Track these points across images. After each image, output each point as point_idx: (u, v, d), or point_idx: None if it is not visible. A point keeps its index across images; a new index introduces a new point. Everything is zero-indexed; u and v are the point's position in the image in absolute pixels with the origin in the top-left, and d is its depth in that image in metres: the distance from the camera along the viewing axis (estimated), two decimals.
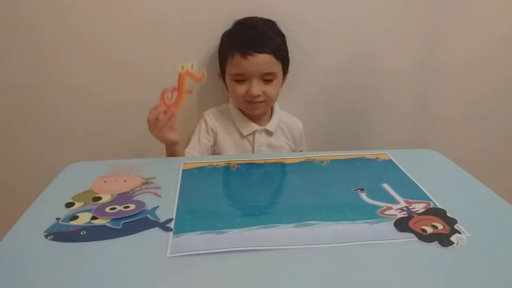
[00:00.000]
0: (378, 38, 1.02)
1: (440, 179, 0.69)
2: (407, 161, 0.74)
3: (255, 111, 0.93)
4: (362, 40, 1.02)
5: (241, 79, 0.89)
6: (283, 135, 1.00)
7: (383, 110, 1.11)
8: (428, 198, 0.62)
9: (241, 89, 0.89)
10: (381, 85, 1.07)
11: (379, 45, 1.03)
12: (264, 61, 0.87)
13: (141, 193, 0.63)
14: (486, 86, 1.11)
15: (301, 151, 1.03)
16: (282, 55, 0.91)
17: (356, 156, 0.77)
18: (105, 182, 0.67)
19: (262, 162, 0.75)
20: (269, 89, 0.90)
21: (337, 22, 0.99)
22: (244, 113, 0.96)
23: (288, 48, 0.94)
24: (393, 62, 1.05)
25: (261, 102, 0.91)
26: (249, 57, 0.86)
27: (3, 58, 0.94)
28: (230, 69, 0.89)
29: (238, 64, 0.87)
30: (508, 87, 1.12)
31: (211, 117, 0.96)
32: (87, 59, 0.95)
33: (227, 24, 0.93)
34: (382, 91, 1.08)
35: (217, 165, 0.73)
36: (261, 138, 0.96)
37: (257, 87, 0.88)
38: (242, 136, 0.95)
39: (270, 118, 0.98)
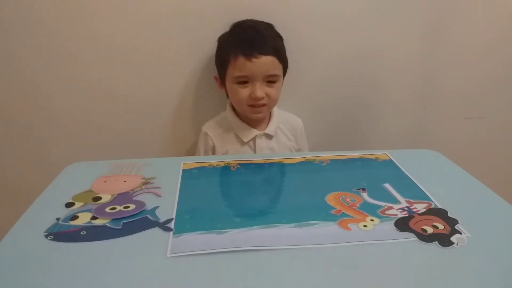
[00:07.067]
0: (377, 37, 1.02)
1: (440, 179, 0.69)
2: (407, 161, 0.74)
3: (257, 115, 0.92)
4: (361, 40, 1.02)
5: (244, 81, 0.88)
6: (284, 135, 0.99)
7: (382, 110, 1.11)
8: (428, 198, 0.62)
9: (244, 92, 0.89)
10: (380, 85, 1.07)
11: (378, 45, 1.03)
12: (268, 63, 0.86)
13: (141, 193, 0.63)
14: (486, 86, 1.11)
15: (299, 149, 1.03)
16: (283, 57, 0.91)
17: (356, 156, 0.77)
18: (105, 182, 0.67)
19: (262, 162, 0.75)
20: (272, 91, 0.90)
21: (336, 21, 0.99)
22: (243, 120, 0.96)
23: (287, 48, 0.94)
24: (392, 62, 1.05)
25: (264, 105, 0.90)
26: (254, 59, 0.85)
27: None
28: (233, 72, 0.88)
29: (242, 66, 0.86)
30: (508, 87, 1.12)
31: (209, 133, 0.96)
32: (89, 60, 0.95)
33: (224, 27, 0.93)
34: (381, 91, 1.08)
35: (217, 165, 0.73)
36: (261, 142, 0.96)
37: (260, 90, 0.88)
38: (243, 143, 0.95)
39: (269, 122, 0.98)
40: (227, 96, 0.95)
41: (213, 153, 0.97)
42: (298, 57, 0.98)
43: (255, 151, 0.95)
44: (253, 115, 0.92)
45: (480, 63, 1.08)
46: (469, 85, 1.10)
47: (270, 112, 0.99)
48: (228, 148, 0.95)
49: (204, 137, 0.97)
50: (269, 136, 0.96)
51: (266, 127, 0.97)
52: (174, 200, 0.61)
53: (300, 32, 0.97)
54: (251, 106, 0.90)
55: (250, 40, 0.87)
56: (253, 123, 0.96)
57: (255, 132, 0.95)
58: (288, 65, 0.95)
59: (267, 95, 0.89)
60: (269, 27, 0.92)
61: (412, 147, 1.05)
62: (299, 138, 1.02)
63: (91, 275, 0.45)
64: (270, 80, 0.89)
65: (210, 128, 0.97)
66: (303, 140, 1.04)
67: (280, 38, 0.93)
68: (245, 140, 0.95)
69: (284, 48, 0.93)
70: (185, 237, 0.52)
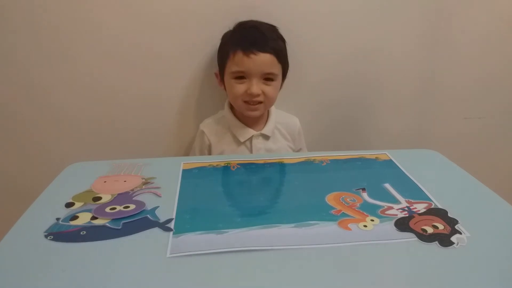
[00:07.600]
0: (377, 37, 1.02)
1: (440, 179, 0.69)
2: (407, 161, 0.74)
3: (252, 112, 0.92)
4: (361, 39, 1.02)
5: (241, 76, 0.88)
6: (281, 136, 0.99)
7: (382, 110, 1.11)
8: (428, 198, 0.62)
9: (240, 88, 0.89)
10: (380, 85, 1.07)
11: (378, 45, 1.03)
12: (266, 60, 0.87)
13: (141, 193, 0.63)
14: (485, 86, 1.11)
15: (300, 149, 1.03)
16: (283, 58, 0.91)
17: (356, 156, 0.77)
18: (105, 182, 0.67)
19: (262, 162, 0.75)
20: (269, 89, 0.89)
21: (336, 21, 0.99)
22: (240, 119, 0.96)
23: (288, 48, 0.94)
24: (392, 62, 1.05)
25: (260, 103, 0.90)
26: (252, 55, 0.85)
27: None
28: (231, 67, 0.88)
29: (240, 61, 0.86)
30: (508, 87, 1.12)
31: (205, 131, 0.96)
32: (90, 59, 0.95)
33: (228, 26, 0.93)
34: (381, 91, 1.08)
35: (217, 165, 0.73)
36: (258, 143, 0.95)
37: (257, 86, 0.88)
38: (239, 143, 0.95)
39: (266, 122, 0.97)
40: (226, 91, 0.95)
41: (209, 152, 0.97)
42: (298, 57, 0.98)
43: (251, 152, 0.95)
44: (248, 112, 0.92)
45: (480, 63, 1.08)
46: (468, 85, 1.10)
47: (268, 112, 0.99)
48: (224, 148, 0.95)
49: (200, 135, 0.97)
50: (265, 137, 0.96)
51: (263, 128, 0.96)
52: (174, 200, 0.61)
53: (300, 32, 0.97)
54: (247, 102, 0.90)
55: (251, 38, 0.87)
56: (250, 123, 0.96)
57: (251, 132, 0.95)
58: (289, 65, 0.95)
59: (263, 92, 0.89)
60: (272, 28, 0.92)
61: (412, 147, 1.05)
62: (297, 139, 1.02)
63: (91, 275, 0.45)
64: (268, 78, 0.89)
65: (207, 126, 0.97)
66: (301, 141, 1.04)
67: (282, 40, 0.93)
68: (242, 140, 0.94)
69: (285, 51, 0.93)
70: (185, 237, 0.52)
